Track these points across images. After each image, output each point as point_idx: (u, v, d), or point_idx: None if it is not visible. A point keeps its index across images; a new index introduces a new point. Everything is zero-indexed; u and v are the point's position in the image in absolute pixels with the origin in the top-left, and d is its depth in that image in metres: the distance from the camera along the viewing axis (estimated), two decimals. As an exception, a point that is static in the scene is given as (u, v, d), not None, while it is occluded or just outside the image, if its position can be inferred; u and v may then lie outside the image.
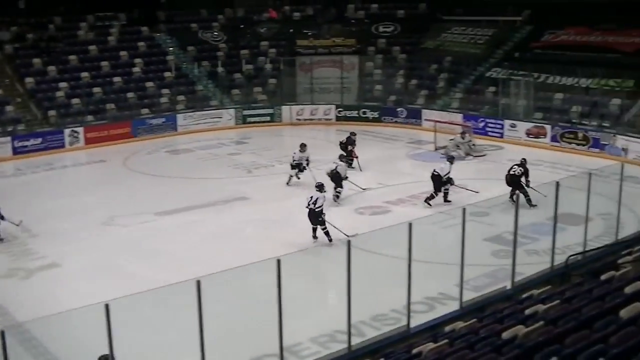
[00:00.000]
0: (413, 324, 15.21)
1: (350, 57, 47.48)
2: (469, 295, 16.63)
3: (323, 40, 48.87)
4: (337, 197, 27.52)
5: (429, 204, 26.66)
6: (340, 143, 33.91)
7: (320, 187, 23.41)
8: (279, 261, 12.74)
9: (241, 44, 49.87)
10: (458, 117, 39.87)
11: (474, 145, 34.96)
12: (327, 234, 22.83)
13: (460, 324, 13.94)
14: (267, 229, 24.97)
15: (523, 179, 26.21)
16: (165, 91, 44.54)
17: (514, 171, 26.47)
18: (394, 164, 32.69)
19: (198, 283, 11.87)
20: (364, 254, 19.03)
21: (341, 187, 27.95)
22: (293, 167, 30.68)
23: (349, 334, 14.24)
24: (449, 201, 26.98)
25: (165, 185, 31.15)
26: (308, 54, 48.14)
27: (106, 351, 11.36)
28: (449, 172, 27.07)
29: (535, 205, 24.53)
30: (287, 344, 13.96)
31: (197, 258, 21.94)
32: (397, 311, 16.56)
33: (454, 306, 16.32)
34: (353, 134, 33.97)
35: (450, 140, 35.13)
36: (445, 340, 12.40)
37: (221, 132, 42.08)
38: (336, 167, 27.95)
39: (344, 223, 24.46)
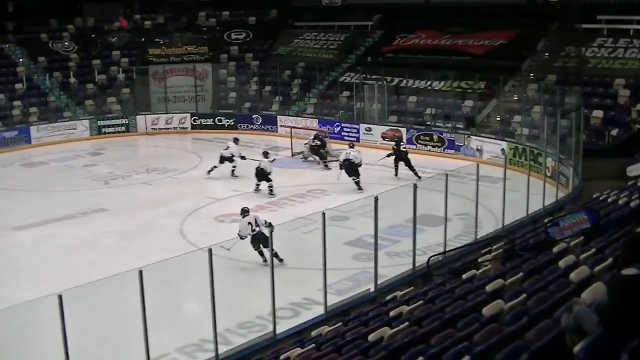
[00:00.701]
0: (279, 330, 15.27)
1: (203, 65, 47.26)
2: (333, 299, 16.77)
3: (175, 48, 48.48)
4: (358, 187, 29.05)
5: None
6: (313, 147, 34.60)
7: (247, 210, 21.82)
8: (140, 272, 12.63)
9: (92, 53, 49.10)
10: (314, 123, 40.13)
11: (326, 151, 34.90)
12: (261, 253, 20.67)
13: (326, 328, 14.06)
14: (127, 239, 24.65)
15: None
16: (16, 103, 43.41)
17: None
18: (251, 171, 32.62)
19: (60, 298, 11.66)
20: (226, 261, 19.02)
21: (358, 175, 29.59)
22: (223, 160, 32.03)
23: (216, 343, 14.20)
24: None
25: (20, 198, 30.39)
26: (160, 62, 47.68)
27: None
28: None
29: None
30: (154, 356, 13.83)
31: (55, 272, 21.46)
32: (263, 318, 16.58)
33: (319, 311, 16.44)
34: (322, 134, 35.29)
35: (305, 144, 35.31)
36: (312, 345, 12.46)
37: (76, 144, 41.33)
38: (353, 157, 29.36)
39: (204, 231, 24.50)
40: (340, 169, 29.50)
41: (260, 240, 20.54)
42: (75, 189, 31.42)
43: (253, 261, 19.92)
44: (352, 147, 31.49)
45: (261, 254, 20.61)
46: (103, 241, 24.79)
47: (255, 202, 27.62)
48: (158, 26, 51.81)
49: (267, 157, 29.80)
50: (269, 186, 29.02)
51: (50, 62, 47.62)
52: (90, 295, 16.72)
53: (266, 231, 18.62)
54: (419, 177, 30.45)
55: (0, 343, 15.70)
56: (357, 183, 29.13)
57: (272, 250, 16.61)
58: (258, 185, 29.37)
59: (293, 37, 49.12)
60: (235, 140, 33.46)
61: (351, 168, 29.15)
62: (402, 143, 33.18)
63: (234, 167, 32.24)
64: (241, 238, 20.44)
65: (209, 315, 14.02)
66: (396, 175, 31.55)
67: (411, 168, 31.28)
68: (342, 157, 29.72)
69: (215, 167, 31.97)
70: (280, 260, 19.61)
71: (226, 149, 32.40)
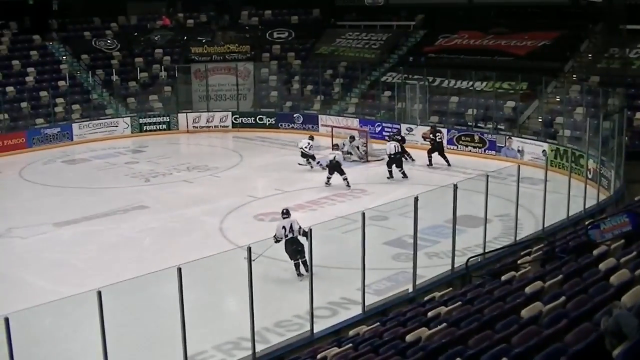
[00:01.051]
0: (317, 329, 15.28)
1: (245, 64, 47.34)
2: (372, 299, 16.76)
3: (217, 47, 48.58)
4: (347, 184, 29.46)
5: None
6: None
7: (288, 212, 21.11)
8: (179, 270, 12.68)
9: (135, 51, 49.42)
10: (354, 122, 40.08)
11: (364, 150, 34.90)
12: (305, 263, 19.67)
13: (363, 328, 14.04)
14: (167, 237, 24.83)
15: None
16: (59, 100, 43.80)
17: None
18: (291, 170, 32.72)
19: (99, 294, 11.75)
20: (266, 260, 19.04)
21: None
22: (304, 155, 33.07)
23: (253, 341, 14.23)
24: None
25: (63, 195, 30.64)
26: (203, 61, 47.81)
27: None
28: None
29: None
30: (192, 353, 13.93)
31: (96, 268, 21.72)
32: (301, 317, 16.62)
33: (357, 310, 16.43)
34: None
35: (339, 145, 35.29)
36: (350, 345, 12.45)
37: (118, 141, 41.61)
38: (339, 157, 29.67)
39: (244, 229, 24.61)
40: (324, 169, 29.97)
41: (293, 247, 20.06)
42: (116, 186, 31.65)
43: (291, 260, 19.93)
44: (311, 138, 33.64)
45: (297, 266, 20.04)
46: (143, 238, 25.01)
47: (295, 201, 27.63)
48: (201, 25, 51.93)
49: (353, 141, 33.48)
50: (344, 179, 29.62)
51: (93, 60, 47.96)
52: (130, 291, 16.81)
53: (302, 239, 19.53)
54: (449, 165, 33.16)
55: (42, 337, 15.83)
56: (346, 179, 29.53)
57: (304, 258, 17.82)
58: (329, 178, 29.89)
59: (335, 37, 49.03)
60: (311, 138, 34.11)
61: (337, 167, 29.40)
62: (438, 133, 33.94)
63: (309, 163, 33.22)
64: (276, 241, 20.02)
65: (247, 314, 14.07)
66: (430, 164, 33.40)
67: (444, 156, 33.30)
68: (329, 158, 29.84)
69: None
70: (306, 271, 19.08)
71: (307, 147, 33.06)
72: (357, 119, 40.65)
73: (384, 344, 11.57)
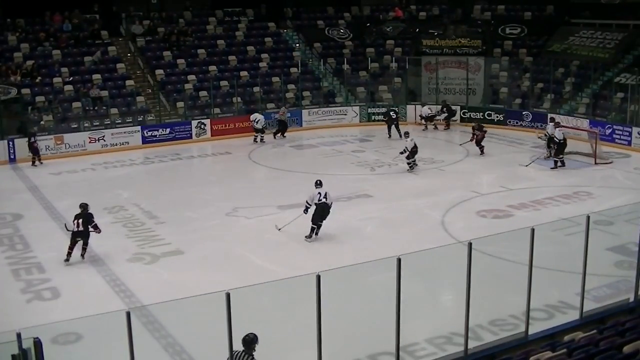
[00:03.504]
0: (531, 331, 15.06)
1: (476, 59, 47.03)
2: (590, 306, 16.36)
3: (449, 40, 48.48)
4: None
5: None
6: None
7: (321, 183, 24.27)
8: (399, 260, 12.79)
9: (367, 42, 50.13)
10: (584, 123, 39.14)
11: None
12: (320, 227, 23.87)
13: (579, 335, 13.78)
14: (388, 227, 25.12)
15: None
16: (291, 87, 45.01)
17: None
18: (517, 168, 32.35)
19: (318, 278, 12.00)
20: (484, 257, 18.95)
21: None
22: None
23: (466, 337, 14.16)
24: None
25: (288, 179, 31.48)
26: (433, 54, 47.86)
27: (225, 338, 11.55)
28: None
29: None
30: (404, 344, 14.04)
31: (316, 252, 22.31)
32: (516, 317, 16.47)
33: (574, 316, 16.11)
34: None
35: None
36: (564, 350, 12.29)
37: (345, 129, 42.28)
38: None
39: (466, 225, 24.57)
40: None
41: (322, 212, 23.56)
42: (341, 173, 32.22)
43: (512, 259, 19.73)
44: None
45: (312, 230, 23.62)
46: (365, 226, 25.38)
47: (519, 200, 27.43)
48: (433, 17, 51.99)
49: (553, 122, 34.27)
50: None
51: (325, 48, 49.07)
52: (347, 278, 17.10)
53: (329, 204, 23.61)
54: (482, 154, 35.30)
55: (259, 315, 16.30)
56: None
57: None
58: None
59: (569, 34, 47.91)
60: (553, 121, 34.87)
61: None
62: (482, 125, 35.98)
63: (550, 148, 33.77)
64: (306, 208, 23.67)
65: (462, 309, 14.04)
66: (482, 153, 35.46)
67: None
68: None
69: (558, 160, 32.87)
70: (315, 234, 23.64)
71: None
72: (587, 120, 39.65)
73: (599, 353, 11.38)
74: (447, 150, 37.64)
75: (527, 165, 33.19)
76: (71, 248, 22.02)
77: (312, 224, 23.66)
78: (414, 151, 32.13)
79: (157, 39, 46.07)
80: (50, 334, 14.38)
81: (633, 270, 17.12)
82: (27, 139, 35.56)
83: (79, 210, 22.21)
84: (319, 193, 23.66)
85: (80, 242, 22.18)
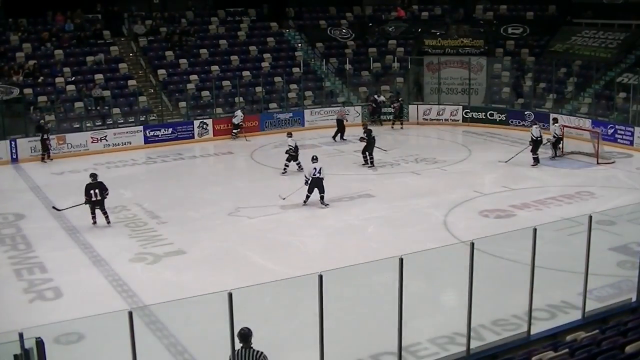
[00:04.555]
0: (534, 331, 15.04)
1: (478, 58, 46.98)
2: (592, 306, 16.34)
3: (451, 40, 48.47)
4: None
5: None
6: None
7: (317, 158, 27.84)
8: (401, 260, 12.79)
9: (369, 41, 50.15)
10: (586, 123, 39.08)
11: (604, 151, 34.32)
12: (323, 197, 27.39)
13: (582, 334, 13.77)
14: (391, 226, 25.14)
15: None
16: (293, 86, 45.04)
17: None
18: (519, 168, 32.35)
19: (320, 277, 11.99)
20: (487, 257, 18.95)
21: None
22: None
23: (469, 337, 14.14)
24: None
25: (290, 179, 31.46)
26: (435, 53, 47.85)
27: (227, 338, 11.56)
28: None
29: None
30: (406, 344, 14.02)
31: (318, 252, 22.40)
32: (518, 317, 16.46)
33: (576, 315, 16.08)
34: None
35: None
36: (566, 350, 12.27)
37: (348, 129, 42.23)
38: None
39: (468, 224, 24.60)
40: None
41: (316, 185, 27.07)
42: (344, 173, 32.24)
43: (514, 259, 19.71)
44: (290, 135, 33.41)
45: (307, 197, 27.30)
46: (367, 226, 25.39)
47: (522, 200, 27.46)
48: (435, 17, 52.03)
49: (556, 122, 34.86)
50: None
51: (327, 48, 49.14)
52: (350, 277, 17.10)
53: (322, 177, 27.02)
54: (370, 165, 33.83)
55: (260, 315, 16.29)
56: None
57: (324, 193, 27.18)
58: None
59: (571, 34, 47.86)
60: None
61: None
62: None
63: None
64: (306, 181, 27.21)
65: (465, 309, 14.02)
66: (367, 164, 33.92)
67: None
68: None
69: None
70: (326, 205, 27.18)
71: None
72: (590, 120, 39.59)
73: (601, 353, 11.36)
74: (451, 149, 37.52)
75: (506, 162, 33.44)
76: (93, 214, 25.29)
77: (307, 192, 27.31)
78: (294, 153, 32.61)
79: (159, 38, 46.10)
80: (52, 333, 14.40)
81: (635, 270, 17.11)
82: (40, 135, 35.79)
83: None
84: (314, 168, 27.06)
85: (99, 210, 25.31)
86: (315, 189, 27.24)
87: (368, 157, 33.23)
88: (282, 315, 17.31)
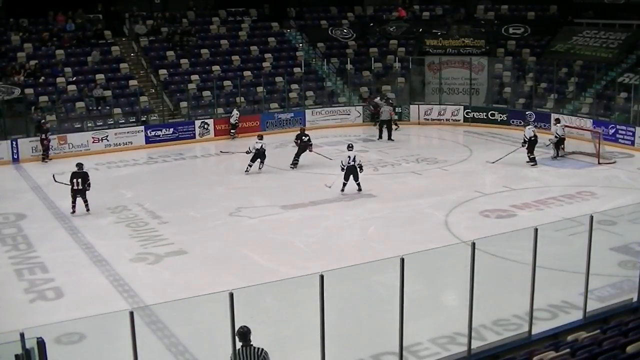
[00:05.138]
0: (535, 331, 15.04)
1: (480, 58, 46.95)
2: (594, 306, 16.35)
3: (452, 40, 48.44)
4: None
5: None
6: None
7: (352, 146, 29.63)
8: (402, 260, 12.79)
9: (370, 41, 50.13)
10: (588, 123, 39.05)
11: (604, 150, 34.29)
12: (359, 184, 28.89)
13: (583, 334, 13.76)
14: (391, 226, 25.13)
15: None
16: (294, 86, 45.03)
17: None
18: (520, 168, 32.35)
19: (321, 277, 12.00)
20: (488, 257, 18.95)
21: None
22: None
23: (470, 337, 14.14)
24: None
25: (292, 179, 31.47)
26: (437, 53, 47.82)
27: (228, 338, 11.56)
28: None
29: None
30: (407, 344, 13.99)
31: (319, 252, 22.33)
32: (519, 317, 16.42)
33: (577, 315, 16.08)
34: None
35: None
36: (567, 350, 12.27)
37: (349, 129, 42.22)
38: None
39: (469, 224, 24.60)
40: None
41: (351, 172, 28.49)
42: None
43: (515, 259, 19.70)
44: (260, 138, 33.29)
45: (344, 184, 28.66)
46: (368, 226, 25.38)
47: (523, 199, 27.44)
48: (436, 17, 52.02)
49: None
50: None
51: (328, 48, 49.10)
52: (351, 277, 17.10)
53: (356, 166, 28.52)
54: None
55: (261, 315, 16.31)
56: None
57: (359, 181, 28.73)
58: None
59: (572, 34, 47.81)
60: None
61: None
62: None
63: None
64: (342, 168, 28.51)
65: (466, 309, 14.02)
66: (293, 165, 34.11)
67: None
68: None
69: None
70: (360, 190, 28.85)
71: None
72: (591, 120, 39.57)
73: (602, 353, 11.36)
74: (452, 149, 37.51)
75: (493, 162, 33.48)
76: (74, 202, 26.47)
77: (344, 179, 28.70)
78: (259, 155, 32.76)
79: (160, 38, 46.07)
80: (53, 333, 14.42)
81: (636, 270, 17.14)
82: (39, 135, 35.85)
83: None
84: (349, 157, 28.63)
85: (80, 200, 26.46)
86: (351, 176, 28.65)
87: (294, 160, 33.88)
88: (284, 315, 17.30)
